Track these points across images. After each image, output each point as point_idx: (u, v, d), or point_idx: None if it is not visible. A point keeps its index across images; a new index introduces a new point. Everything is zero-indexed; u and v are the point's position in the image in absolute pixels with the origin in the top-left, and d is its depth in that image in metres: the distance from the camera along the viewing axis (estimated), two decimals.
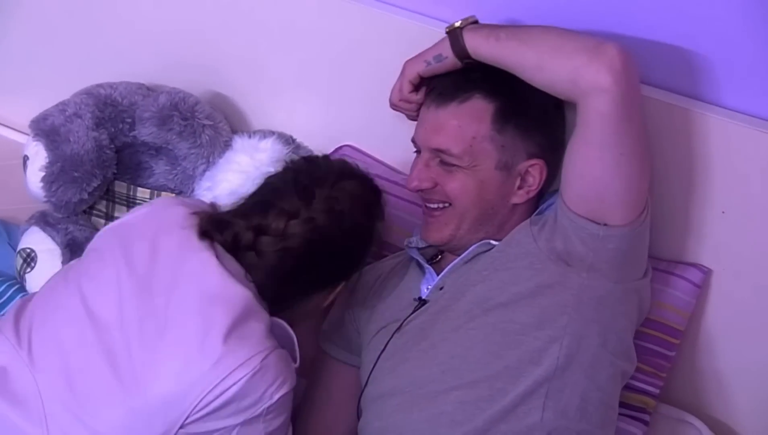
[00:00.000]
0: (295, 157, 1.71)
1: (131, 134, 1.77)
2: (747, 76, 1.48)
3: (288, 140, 1.82)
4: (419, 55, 1.50)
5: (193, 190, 1.78)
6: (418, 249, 1.59)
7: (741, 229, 1.57)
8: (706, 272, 1.62)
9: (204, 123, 1.74)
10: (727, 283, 1.61)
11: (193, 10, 1.85)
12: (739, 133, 1.49)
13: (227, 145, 1.79)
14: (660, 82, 1.54)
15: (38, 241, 1.74)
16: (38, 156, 1.72)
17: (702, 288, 1.61)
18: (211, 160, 1.76)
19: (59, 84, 1.82)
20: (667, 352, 1.62)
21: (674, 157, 1.54)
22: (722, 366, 1.68)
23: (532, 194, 1.49)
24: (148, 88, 1.84)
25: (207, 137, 1.75)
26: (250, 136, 1.79)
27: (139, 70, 1.88)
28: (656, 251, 1.58)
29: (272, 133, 1.81)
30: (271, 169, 1.69)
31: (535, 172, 1.48)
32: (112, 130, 1.76)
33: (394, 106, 1.57)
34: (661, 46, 1.50)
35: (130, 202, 1.83)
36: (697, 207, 1.58)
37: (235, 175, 1.72)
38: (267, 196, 1.42)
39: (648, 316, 1.57)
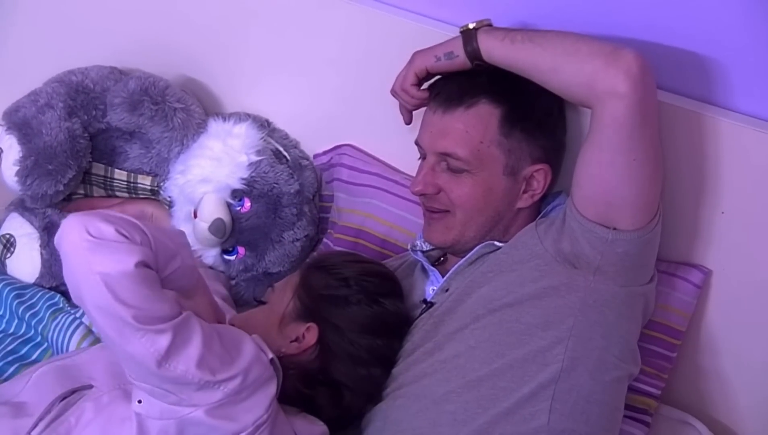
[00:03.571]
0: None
1: (104, 120, 1.75)
2: (745, 76, 1.47)
3: (263, 124, 1.80)
4: (430, 49, 1.49)
5: (168, 173, 1.77)
6: (423, 252, 1.60)
7: (741, 229, 1.55)
8: (707, 273, 1.60)
9: (175, 106, 1.72)
10: (728, 283, 1.60)
11: None
12: (738, 133, 1.47)
13: (201, 128, 1.76)
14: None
15: (17, 226, 1.75)
16: (12, 150, 1.71)
17: (702, 289, 1.60)
18: (185, 142, 1.75)
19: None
20: (669, 353, 1.61)
21: (673, 157, 1.51)
22: (723, 367, 1.66)
23: (536, 198, 1.51)
24: (121, 72, 1.82)
25: (179, 120, 1.72)
26: (225, 120, 1.76)
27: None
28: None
29: (247, 116, 1.79)
30: (243, 157, 1.65)
31: (539, 177, 1.49)
32: (85, 117, 1.74)
33: (393, 93, 1.56)
34: (668, 49, 1.49)
35: (108, 184, 1.82)
36: (697, 207, 1.56)
37: (207, 162, 1.70)
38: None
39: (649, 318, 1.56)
